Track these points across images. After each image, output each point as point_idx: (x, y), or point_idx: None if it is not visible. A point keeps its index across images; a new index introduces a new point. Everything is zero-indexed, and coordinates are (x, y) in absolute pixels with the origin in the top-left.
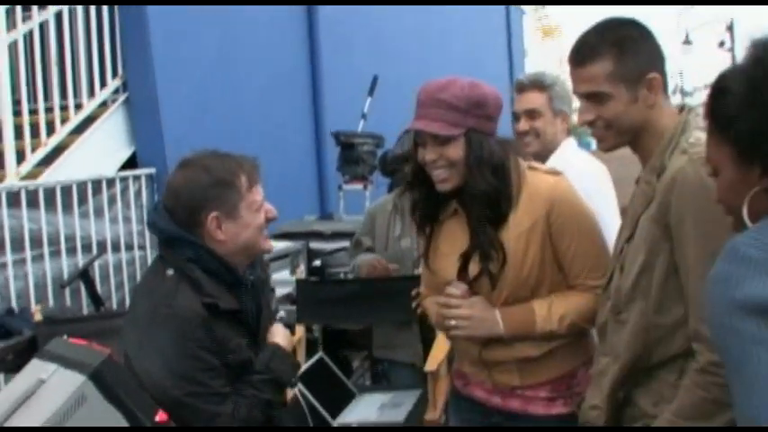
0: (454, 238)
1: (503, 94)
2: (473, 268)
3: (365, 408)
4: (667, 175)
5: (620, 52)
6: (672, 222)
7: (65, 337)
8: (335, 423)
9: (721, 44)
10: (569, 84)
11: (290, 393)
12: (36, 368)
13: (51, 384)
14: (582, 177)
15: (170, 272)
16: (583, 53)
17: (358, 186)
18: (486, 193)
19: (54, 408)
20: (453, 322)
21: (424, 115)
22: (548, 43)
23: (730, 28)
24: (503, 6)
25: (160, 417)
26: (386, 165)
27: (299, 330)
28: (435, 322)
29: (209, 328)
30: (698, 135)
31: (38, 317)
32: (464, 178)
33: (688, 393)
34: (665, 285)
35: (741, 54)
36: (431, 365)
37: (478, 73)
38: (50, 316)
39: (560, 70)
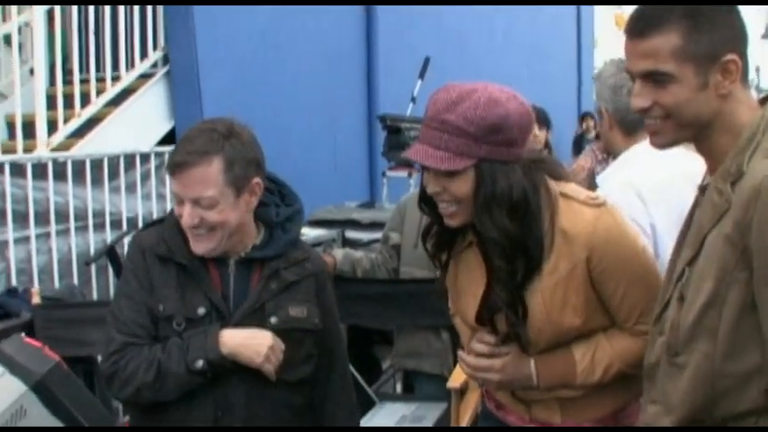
0: (471, 273)
1: (570, 84)
2: (500, 322)
3: (383, 419)
4: (747, 185)
5: (693, 25)
6: (753, 246)
7: (22, 334)
8: None
9: (766, 35)
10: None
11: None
12: None
13: None
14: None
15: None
16: (644, 22)
17: (402, 174)
18: (499, 241)
19: None
20: (480, 374)
21: (427, 140)
22: (621, 34)
23: None
24: None
25: None
26: None
27: None
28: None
29: (146, 262)
30: None
31: (36, 299)
32: (473, 217)
33: None
34: (739, 324)
35: None
36: (454, 381)
37: (544, 62)
38: (51, 298)
39: None
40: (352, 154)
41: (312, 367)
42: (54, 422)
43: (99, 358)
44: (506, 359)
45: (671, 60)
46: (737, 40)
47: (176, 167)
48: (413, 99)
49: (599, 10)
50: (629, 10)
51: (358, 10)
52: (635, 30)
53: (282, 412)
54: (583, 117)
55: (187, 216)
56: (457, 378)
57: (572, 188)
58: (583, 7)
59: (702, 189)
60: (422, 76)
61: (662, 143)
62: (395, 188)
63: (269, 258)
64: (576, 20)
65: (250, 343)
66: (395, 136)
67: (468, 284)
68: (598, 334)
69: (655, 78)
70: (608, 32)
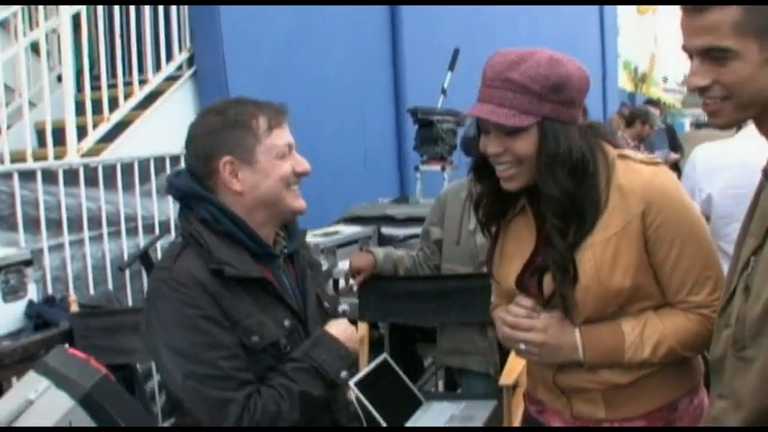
0: (519, 239)
1: (594, 72)
2: (547, 284)
3: (431, 420)
4: None
5: None
6: None
7: (66, 346)
8: None
9: None
10: None
11: (350, 395)
12: (28, 383)
13: (39, 406)
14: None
15: (178, 239)
16: None
17: (436, 167)
18: (560, 200)
19: None
20: (523, 346)
21: (489, 98)
22: (644, 20)
23: None
24: None
25: None
26: (466, 144)
27: (362, 328)
28: (502, 338)
29: (213, 297)
30: None
31: (74, 307)
32: (535, 176)
33: None
34: None
35: None
36: (507, 378)
37: (569, 52)
38: (90, 305)
39: (655, 48)
40: (381, 149)
41: None
42: None
43: (138, 366)
44: (550, 320)
45: (732, 35)
46: None
47: (284, 114)
48: (443, 91)
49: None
50: None
51: (384, 8)
52: (692, 4)
53: None
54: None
55: (304, 161)
56: (509, 374)
57: (629, 151)
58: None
59: (766, 172)
60: (452, 67)
61: (722, 124)
62: (428, 182)
63: (297, 250)
64: (599, 9)
65: (349, 335)
66: (426, 129)
67: (515, 250)
68: (647, 311)
69: (714, 55)
70: (630, 20)
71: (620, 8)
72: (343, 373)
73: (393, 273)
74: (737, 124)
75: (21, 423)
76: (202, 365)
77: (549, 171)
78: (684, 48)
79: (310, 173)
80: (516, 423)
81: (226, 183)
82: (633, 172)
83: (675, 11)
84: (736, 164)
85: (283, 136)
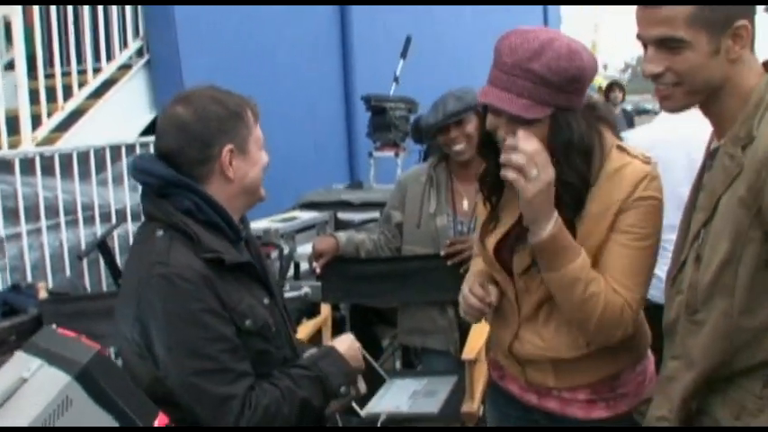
0: (513, 207)
1: None
2: (520, 259)
3: (396, 395)
4: (759, 148)
5: None
6: (766, 207)
7: (54, 326)
8: (363, 412)
9: None
10: None
11: (335, 405)
12: (19, 363)
13: (34, 384)
14: None
15: (159, 232)
16: None
17: (389, 153)
18: (577, 185)
19: (36, 412)
20: (512, 175)
21: (506, 86)
22: (585, 9)
23: None
24: None
25: (160, 420)
26: (419, 131)
27: (325, 309)
28: (465, 306)
29: (213, 289)
30: None
31: (43, 294)
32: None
33: None
34: (754, 281)
35: None
36: (469, 353)
37: None
38: (57, 292)
39: (596, 36)
40: (331, 136)
41: None
42: (98, 411)
43: (111, 350)
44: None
45: (685, 27)
46: (747, 6)
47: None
48: (395, 79)
49: None
50: None
51: None
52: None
53: None
54: (609, 87)
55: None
56: (471, 350)
57: (627, 145)
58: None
59: (711, 153)
60: (404, 55)
61: (672, 107)
62: (382, 168)
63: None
64: None
65: (353, 353)
66: (380, 116)
67: (509, 217)
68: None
69: (668, 45)
70: (572, 9)
71: None
72: (343, 389)
73: (355, 255)
74: (687, 108)
75: (14, 403)
76: (205, 361)
77: (566, 159)
78: (639, 36)
79: None
80: (478, 396)
81: (223, 170)
82: (627, 164)
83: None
84: (659, 141)
85: (259, 128)
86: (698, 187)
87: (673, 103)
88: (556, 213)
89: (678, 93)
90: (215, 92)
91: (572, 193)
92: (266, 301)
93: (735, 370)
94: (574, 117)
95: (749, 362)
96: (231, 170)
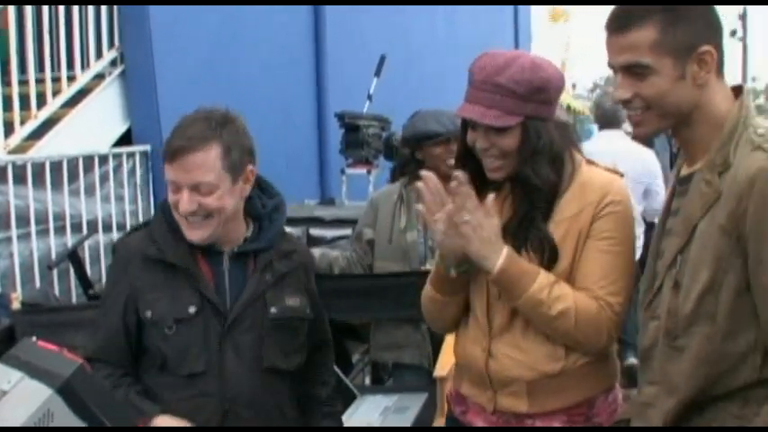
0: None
1: None
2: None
3: (367, 412)
4: (738, 175)
5: (669, 18)
6: (748, 234)
7: (34, 339)
8: None
9: (733, 33)
10: None
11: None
12: None
13: (14, 396)
14: None
15: None
16: (624, 17)
17: (361, 171)
18: (540, 188)
19: (17, 424)
20: (467, 217)
21: (478, 100)
22: (556, 28)
23: (743, 17)
24: None
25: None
26: (390, 148)
27: None
28: (426, 300)
29: (126, 271)
30: (764, 124)
31: (16, 304)
32: (517, 168)
33: None
34: (735, 306)
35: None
36: (441, 370)
37: None
38: (30, 303)
39: (565, 55)
40: (303, 151)
41: (304, 357)
42: (79, 424)
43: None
44: (495, 218)
45: (649, 53)
46: (713, 32)
47: (175, 153)
48: (369, 96)
49: (535, 7)
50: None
51: (306, 10)
52: (615, 25)
53: (284, 400)
54: None
55: (185, 202)
56: (443, 366)
57: (595, 161)
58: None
59: (681, 179)
60: (377, 74)
61: (644, 133)
62: (354, 185)
63: (261, 250)
64: (514, 16)
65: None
66: (353, 133)
67: None
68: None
69: (635, 71)
70: (543, 28)
71: (534, 16)
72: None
73: (327, 272)
74: (659, 133)
75: None
76: (99, 316)
77: (532, 162)
78: (609, 64)
79: (196, 210)
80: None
81: None
82: (596, 174)
83: (586, 19)
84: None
85: (170, 171)
86: (668, 211)
87: (645, 128)
88: (505, 247)
89: (649, 117)
90: (181, 120)
91: (539, 197)
92: (192, 309)
93: (716, 394)
94: (543, 126)
95: (731, 385)
96: None
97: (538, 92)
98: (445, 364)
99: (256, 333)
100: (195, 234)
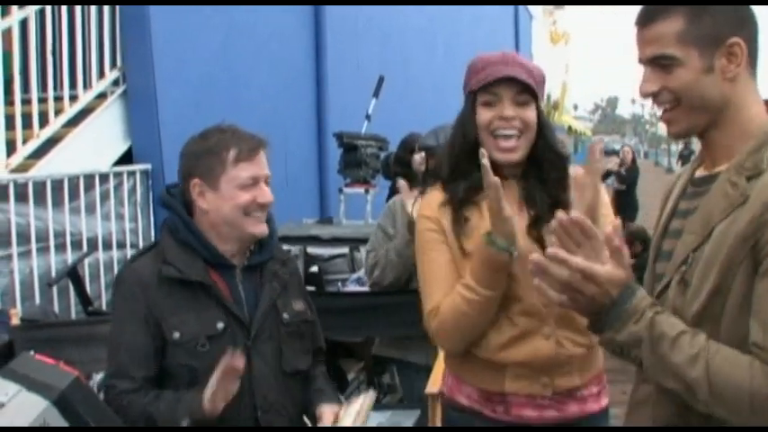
0: (509, 198)
1: None
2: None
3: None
4: (766, 183)
5: (695, 10)
6: (762, 243)
7: (31, 353)
8: None
9: None
10: None
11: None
12: None
13: (11, 409)
14: None
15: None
16: (651, 11)
17: (359, 190)
18: (560, 156)
19: None
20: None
21: (515, 72)
22: (556, 50)
23: None
24: (512, 10)
25: None
26: (388, 168)
27: None
28: (462, 308)
29: (146, 296)
30: None
31: (15, 320)
32: (530, 149)
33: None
34: (741, 312)
35: None
36: (432, 387)
37: None
38: (30, 319)
39: (566, 77)
40: (302, 170)
41: (311, 358)
42: None
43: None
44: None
45: (675, 44)
46: (742, 23)
47: (254, 149)
48: (368, 117)
49: (535, 27)
50: (562, 26)
51: (307, 31)
52: (642, 19)
53: (298, 400)
54: None
55: (268, 193)
56: (435, 382)
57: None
58: (521, 24)
59: (698, 181)
60: (376, 94)
61: (677, 131)
62: (352, 204)
63: (266, 261)
64: (515, 37)
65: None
66: (351, 153)
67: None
68: None
69: (661, 63)
70: (543, 49)
71: (534, 37)
72: (185, 421)
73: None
74: (692, 131)
75: None
76: (113, 350)
77: (545, 132)
78: (639, 59)
79: (271, 202)
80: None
81: (195, 200)
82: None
83: (587, 41)
84: None
85: (250, 168)
86: (672, 213)
87: (677, 127)
88: None
89: (679, 114)
90: (215, 129)
91: (557, 169)
92: (220, 324)
93: None
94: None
95: None
96: (204, 202)
97: (542, 82)
98: (438, 378)
99: (276, 340)
100: (261, 227)
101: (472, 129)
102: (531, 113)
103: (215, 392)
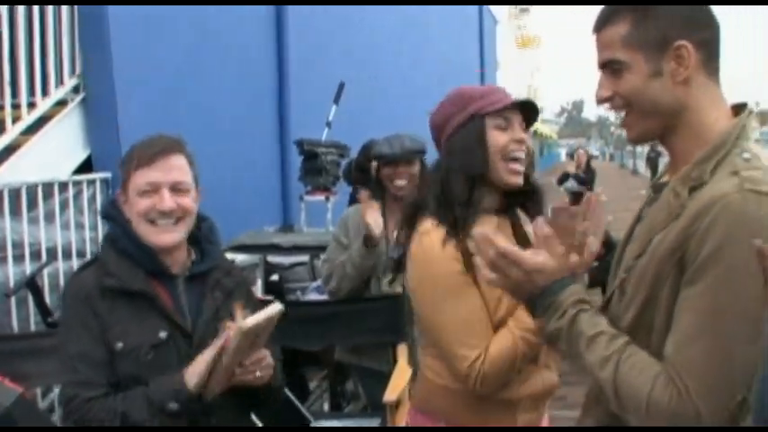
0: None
1: None
2: None
3: None
4: (705, 196)
5: (641, 14)
6: (688, 255)
7: None
8: None
9: None
10: None
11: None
12: None
13: None
14: None
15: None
16: (603, 14)
17: (320, 197)
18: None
19: None
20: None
21: (511, 98)
22: (524, 53)
23: None
24: (476, 16)
25: None
26: (351, 174)
27: None
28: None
29: (92, 307)
30: (755, 150)
31: None
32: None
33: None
34: (668, 323)
35: None
36: (390, 395)
37: (451, 84)
38: None
39: (533, 80)
40: (266, 178)
41: None
42: None
43: (37, 391)
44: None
45: (621, 48)
46: (691, 26)
47: (155, 156)
48: (328, 124)
49: (501, 31)
50: (533, 29)
51: (270, 38)
52: (596, 23)
53: (245, 411)
54: None
55: (167, 200)
56: (393, 391)
57: None
58: (485, 29)
59: (657, 187)
60: (336, 101)
61: (633, 137)
62: (312, 212)
63: (209, 270)
64: (479, 42)
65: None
66: (311, 161)
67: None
68: None
69: (611, 68)
70: (510, 53)
71: (500, 41)
72: (172, 404)
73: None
74: (647, 136)
75: None
76: (69, 364)
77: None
78: (597, 65)
79: (174, 210)
80: None
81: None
82: None
83: (558, 43)
84: None
85: (149, 174)
86: (638, 219)
87: (632, 132)
88: None
89: (632, 119)
90: (147, 138)
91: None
92: (162, 333)
93: None
94: None
95: None
96: (126, 211)
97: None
98: (396, 386)
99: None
100: (166, 237)
101: (485, 152)
102: (529, 141)
103: (215, 376)
